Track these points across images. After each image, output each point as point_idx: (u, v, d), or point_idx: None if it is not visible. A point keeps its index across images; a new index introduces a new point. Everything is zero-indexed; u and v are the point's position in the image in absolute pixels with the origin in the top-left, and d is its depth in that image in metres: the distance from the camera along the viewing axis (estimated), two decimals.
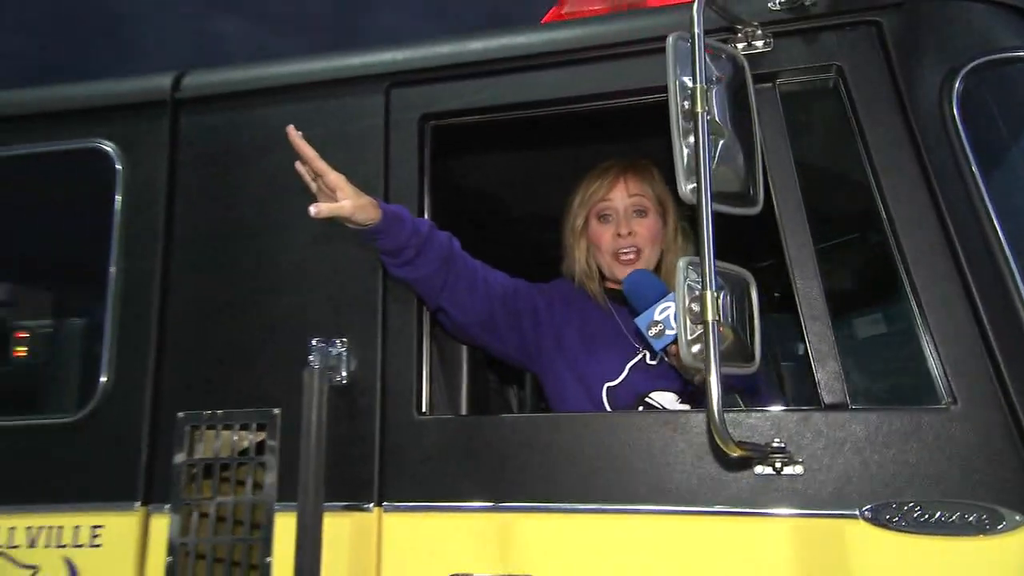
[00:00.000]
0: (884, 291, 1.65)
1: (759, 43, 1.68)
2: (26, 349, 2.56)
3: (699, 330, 1.26)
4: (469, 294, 1.79)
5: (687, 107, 1.38)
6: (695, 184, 1.33)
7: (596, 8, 2.10)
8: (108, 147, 2.11)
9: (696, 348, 1.25)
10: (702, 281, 1.26)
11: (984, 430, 1.41)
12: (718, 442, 1.29)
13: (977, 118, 1.62)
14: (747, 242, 1.96)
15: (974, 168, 1.53)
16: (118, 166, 2.11)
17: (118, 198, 2.09)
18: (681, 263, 1.34)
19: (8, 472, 2.02)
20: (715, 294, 1.25)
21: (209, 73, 2.18)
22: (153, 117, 2.12)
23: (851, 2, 1.68)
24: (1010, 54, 1.67)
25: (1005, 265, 1.45)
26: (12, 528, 1.84)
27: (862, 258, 1.69)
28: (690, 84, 1.40)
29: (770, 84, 1.75)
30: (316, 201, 1.58)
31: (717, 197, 1.35)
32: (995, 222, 1.50)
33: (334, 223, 1.59)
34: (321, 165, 1.52)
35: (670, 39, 1.42)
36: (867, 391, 1.59)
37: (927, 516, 1.38)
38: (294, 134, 1.52)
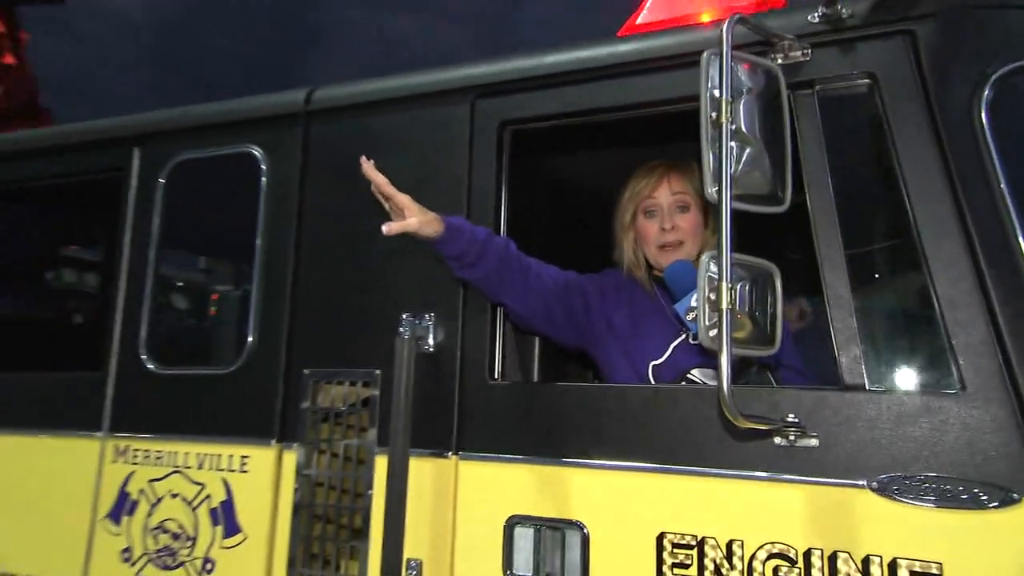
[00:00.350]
0: (908, 288, 1.72)
1: (797, 53, 1.76)
2: (207, 311, 3.09)
3: (716, 317, 1.44)
4: (525, 291, 1.99)
5: (715, 117, 1.49)
6: (718, 187, 1.50)
7: (664, 19, 2.25)
8: (256, 152, 2.47)
9: (713, 332, 1.41)
10: (719, 273, 1.40)
11: (990, 416, 1.48)
12: (727, 415, 1.44)
13: (1009, 124, 1.66)
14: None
15: (1000, 173, 1.60)
16: (263, 167, 2.46)
17: (262, 193, 2.42)
18: (704, 257, 1.47)
19: (185, 409, 2.45)
20: (731, 285, 1.39)
21: (333, 88, 2.49)
22: (290, 126, 2.44)
23: (885, 13, 1.72)
24: None
25: (1021, 267, 1.54)
26: (187, 453, 2.30)
27: (889, 255, 1.76)
28: (718, 96, 1.51)
29: (809, 91, 1.83)
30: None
31: (743, 198, 1.50)
32: (1016, 226, 1.57)
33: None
34: (389, 190, 1.75)
35: (704, 55, 1.53)
36: (885, 376, 1.68)
37: (931, 490, 1.49)
38: (366, 165, 1.77)
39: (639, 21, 2.33)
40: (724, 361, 1.40)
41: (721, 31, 1.54)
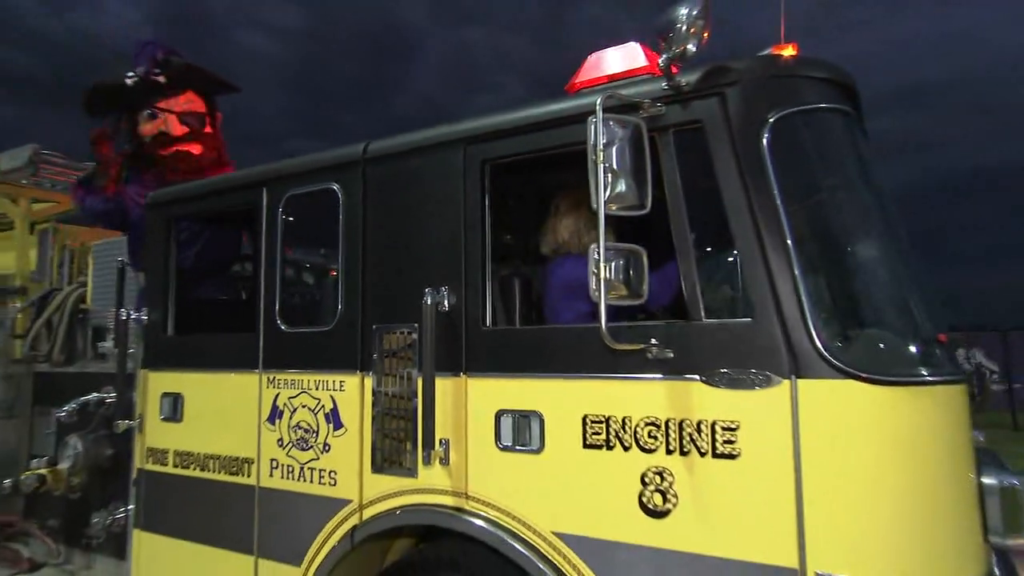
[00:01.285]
0: (726, 261, 2.03)
1: (654, 110, 2.00)
2: (314, 292, 3.42)
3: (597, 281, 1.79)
4: None
5: (595, 159, 1.81)
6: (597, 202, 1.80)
7: (591, 80, 2.44)
8: (336, 187, 2.75)
9: (594, 291, 1.79)
10: (599, 255, 1.77)
11: (766, 333, 1.81)
12: (606, 342, 1.84)
13: (781, 148, 1.93)
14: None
15: (774, 182, 1.88)
16: (340, 198, 2.74)
17: (341, 215, 2.73)
18: (592, 247, 1.81)
19: (306, 353, 2.79)
20: (605, 263, 1.77)
21: (380, 142, 2.71)
22: (354, 169, 2.71)
23: (708, 82, 1.98)
24: (798, 108, 1.98)
25: (788, 252, 1.83)
26: (309, 380, 2.71)
27: (716, 239, 2.03)
28: (595, 145, 1.81)
29: (666, 134, 2.06)
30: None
31: (617, 207, 1.82)
32: (784, 218, 1.86)
33: None
34: None
35: (588, 119, 1.83)
36: (712, 313, 1.98)
37: (734, 379, 1.83)
38: None
39: (577, 81, 2.49)
40: (602, 308, 1.79)
41: (596, 104, 1.82)
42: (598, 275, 1.79)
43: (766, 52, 2.07)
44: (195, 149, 3.80)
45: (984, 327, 15.70)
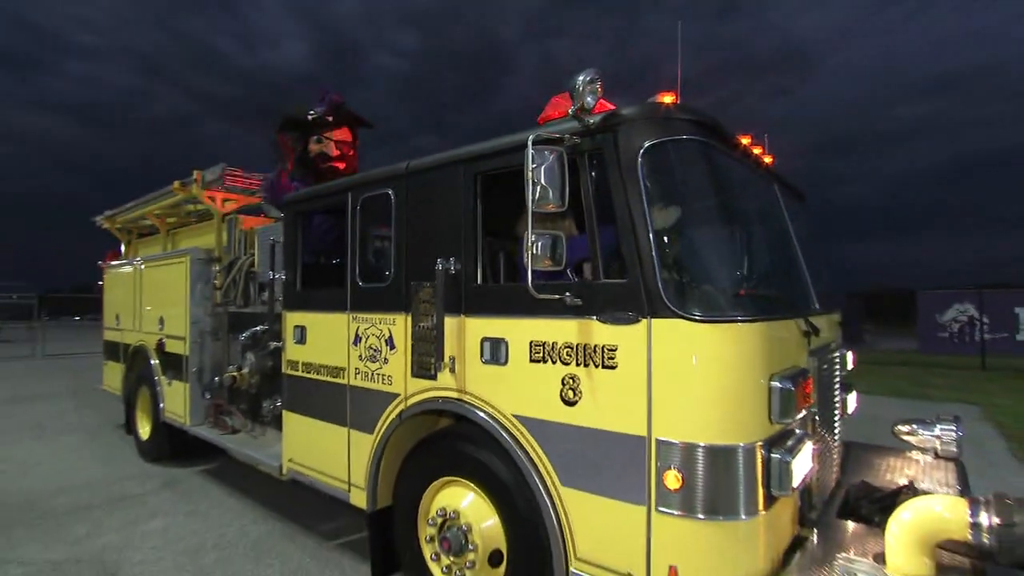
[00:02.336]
0: (620, 244, 2.17)
1: (572, 140, 2.26)
2: (379, 261, 3.84)
3: (526, 256, 2.13)
4: None
5: (528, 176, 2.12)
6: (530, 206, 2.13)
7: (553, 115, 2.73)
8: (390, 192, 3.10)
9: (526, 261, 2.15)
10: (528, 237, 2.12)
11: (632, 286, 2.08)
12: (531, 293, 2.18)
13: (652, 171, 2.16)
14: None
15: (644, 196, 2.12)
16: (392, 200, 3.08)
17: (393, 213, 3.07)
18: (524, 236, 2.16)
19: (372, 300, 3.12)
20: (534, 243, 2.10)
21: (416, 160, 3.01)
22: (400, 180, 3.06)
23: (606, 123, 2.21)
24: (664, 139, 2.19)
25: (648, 237, 2.09)
26: (374, 318, 3.12)
27: (612, 231, 2.22)
28: (529, 166, 2.12)
29: (583, 158, 2.29)
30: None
31: (542, 207, 2.12)
32: (647, 219, 2.11)
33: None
34: None
35: (527, 148, 2.12)
36: (608, 276, 2.22)
37: (615, 317, 2.14)
38: None
39: (542, 116, 2.81)
40: (529, 273, 2.13)
41: (527, 139, 2.14)
42: (529, 251, 2.15)
43: (651, 99, 2.25)
44: (341, 166, 4.36)
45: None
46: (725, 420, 2.00)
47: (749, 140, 2.89)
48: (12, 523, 4.27)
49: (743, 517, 2.00)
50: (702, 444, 1.98)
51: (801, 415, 2.27)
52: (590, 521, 2.25)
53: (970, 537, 1.93)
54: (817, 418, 2.59)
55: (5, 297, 24.77)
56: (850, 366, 3.54)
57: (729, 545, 2.00)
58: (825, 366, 2.79)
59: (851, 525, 2.47)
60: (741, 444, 1.97)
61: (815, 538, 2.36)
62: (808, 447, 2.29)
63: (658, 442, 2.06)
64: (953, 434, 3.37)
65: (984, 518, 1.91)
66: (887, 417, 7.35)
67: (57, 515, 4.44)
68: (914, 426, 3.55)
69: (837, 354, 3.09)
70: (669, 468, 2.02)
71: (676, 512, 2.02)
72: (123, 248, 7.12)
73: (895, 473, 3.19)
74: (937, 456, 3.43)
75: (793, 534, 2.37)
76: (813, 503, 2.55)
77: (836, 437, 3.06)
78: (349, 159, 4.42)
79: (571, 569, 2.30)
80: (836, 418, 3.05)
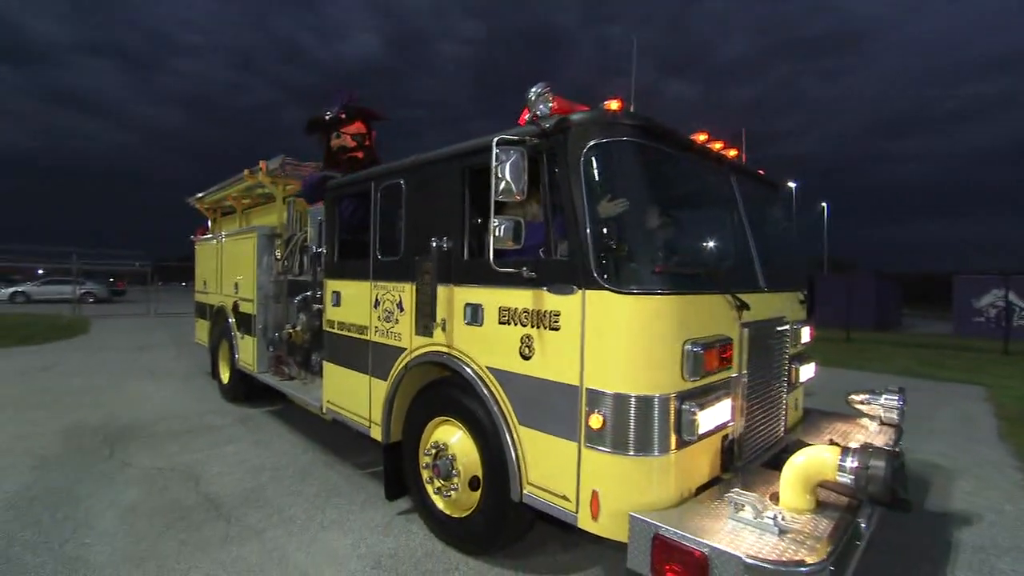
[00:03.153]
0: (561, 230, 2.38)
1: (531, 142, 2.49)
2: (394, 239, 4.32)
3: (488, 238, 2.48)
4: None
5: (493, 170, 2.40)
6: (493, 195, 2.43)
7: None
8: (402, 182, 3.43)
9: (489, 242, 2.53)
10: (491, 222, 2.45)
11: (569, 264, 2.37)
12: (493, 267, 2.49)
13: (594, 168, 2.38)
14: None
15: (584, 190, 2.36)
16: (403, 189, 3.41)
17: (403, 199, 3.41)
18: (491, 218, 2.50)
19: (389, 270, 3.44)
20: (496, 227, 2.39)
21: (419, 155, 3.30)
22: (406, 172, 3.39)
23: (558, 126, 2.44)
24: (605, 140, 2.40)
25: (586, 223, 2.35)
26: (389, 285, 3.48)
27: (561, 218, 2.42)
28: (492, 163, 2.40)
29: (540, 156, 2.52)
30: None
31: (505, 197, 2.41)
32: (586, 211, 2.34)
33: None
34: None
35: (492, 148, 2.40)
36: (555, 255, 2.47)
37: (560, 288, 2.42)
38: None
39: (520, 119, 3.09)
40: (490, 251, 2.44)
41: (492, 142, 2.43)
42: (491, 233, 2.45)
43: (600, 106, 2.46)
44: (359, 155, 4.77)
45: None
46: (640, 375, 2.28)
47: (706, 137, 3.06)
48: (129, 439, 5.19)
49: (655, 455, 2.29)
50: (621, 393, 2.29)
51: (718, 376, 2.49)
52: (538, 454, 2.61)
53: (838, 477, 2.15)
54: (748, 380, 2.78)
55: (128, 264, 27.59)
56: (805, 340, 3.66)
57: (640, 476, 2.31)
58: (766, 338, 2.95)
59: (768, 472, 2.69)
60: (652, 395, 2.26)
61: (732, 480, 2.60)
62: (725, 404, 2.53)
63: (587, 391, 2.37)
64: (895, 404, 3.46)
65: (848, 462, 2.13)
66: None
67: (159, 436, 5.30)
68: (866, 396, 3.66)
69: (786, 328, 3.23)
70: (594, 412, 2.33)
71: (598, 448, 2.34)
72: (210, 224, 7.94)
73: (839, 435, 3.34)
74: (882, 423, 3.54)
75: (713, 475, 2.62)
76: (740, 452, 2.77)
77: (782, 399, 3.23)
78: (366, 149, 4.83)
79: (524, 492, 2.68)
80: (782, 383, 3.21)
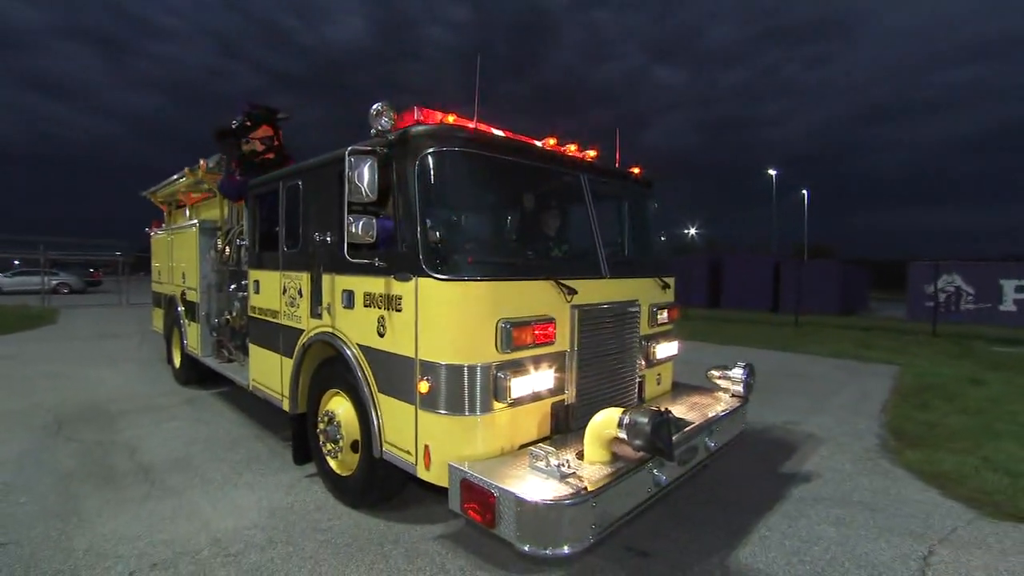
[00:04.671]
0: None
1: (382, 150, 2.84)
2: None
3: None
4: None
5: (345, 174, 2.78)
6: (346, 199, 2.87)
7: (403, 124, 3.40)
8: (300, 183, 3.87)
9: (344, 237, 3.00)
10: (345, 220, 2.97)
11: (411, 258, 2.79)
12: (347, 258, 3.02)
13: (430, 173, 2.75)
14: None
15: (418, 194, 2.74)
16: (301, 190, 3.95)
17: (300, 202, 3.95)
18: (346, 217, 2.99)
19: (291, 261, 3.93)
20: (350, 227, 2.94)
21: (313, 159, 3.68)
22: (303, 175, 3.80)
23: (401, 137, 2.81)
24: (435, 150, 2.76)
25: (418, 221, 2.81)
26: (290, 275, 4.01)
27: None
28: (345, 167, 2.75)
29: (389, 161, 2.85)
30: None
31: (356, 199, 2.82)
32: (418, 208, 2.79)
33: None
34: None
35: (346, 157, 2.77)
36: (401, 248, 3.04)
37: (401, 276, 2.79)
38: None
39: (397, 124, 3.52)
40: (345, 245, 2.93)
41: (346, 150, 2.81)
42: (346, 229, 2.82)
43: (440, 121, 2.87)
44: (270, 156, 5.14)
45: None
46: (457, 348, 2.71)
47: (555, 142, 3.49)
48: (78, 418, 5.62)
49: (471, 414, 2.73)
50: (440, 363, 2.73)
51: (536, 350, 2.92)
52: (391, 416, 3.06)
53: (617, 433, 2.61)
54: (579, 355, 3.21)
55: (108, 254, 27.76)
56: (662, 322, 4.09)
57: (459, 432, 2.75)
58: (604, 318, 3.36)
59: None
60: (463, 364, 2.69)
61: (556, 440, 3.05)
62: (546, 374, 2.96)
63: (420, 361, 2.81)
64: (742, 377, 3.94)
65: (624, 419, 2.58)
66: (801, 371, 7.81)
67: (108, 414, 5.77)
68: (723, 371, 4.13)
69: (636, 310, 3.67)
70: (423, 379, 2.78)
71: (427, 409, 2.79)
72: (165, 217, 8.30)
73: (688, 405, 3.81)
74: (732, 395, 4.02)
75: (543, 435, 3.06)
76: (574, 417, 3.20)
77: (632, 373, 3.66)
78: (276, 148, 5.19)
79: (383, 450, 3.14)
80: (631, 359, 3.63)
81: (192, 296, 6.20)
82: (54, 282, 24.14)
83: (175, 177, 6.68)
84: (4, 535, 3.14)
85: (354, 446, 3.49)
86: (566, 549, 2.28)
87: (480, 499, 2.45)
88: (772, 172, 39.37)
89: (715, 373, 4.13)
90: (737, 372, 3.93)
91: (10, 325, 12.92)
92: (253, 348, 4.74)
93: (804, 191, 41.89)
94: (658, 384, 4.11)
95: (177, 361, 7.02)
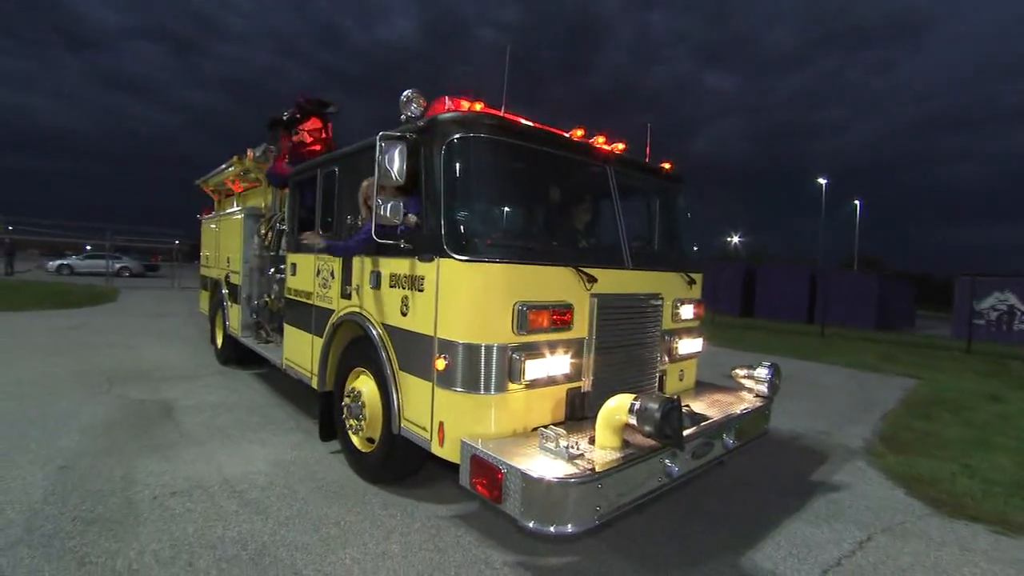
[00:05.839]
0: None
1: (411, 136, 2.91)
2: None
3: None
4: None
5: (377, 158, 2.88)
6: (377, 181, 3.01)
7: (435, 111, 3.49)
8: (336, 170, 4.16)
9: (374, 219, 3.12)
10: (376, 203, 3.07)
11: (434, 240, 2.88)
12: (375, 239, 3.13)
13: (453, 160, 2.83)
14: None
15: (442, 173, 2.81)
16: (336, 177, 4.17)
17: (336, 189, 4.23)
18: (377, 199, 3.11)
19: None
20: (379, 209, 3.04)
21: (347, 147, 3.86)
22: (339, 162, 4.03)
23: (429, 124, 2.88)
24: (464, 135, 2.84)
25: (442, 204, 2.87)
26: (323, 258, 4.10)
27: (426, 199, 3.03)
28: (376, 152, 2.85)
29: (419, 146, 2.92)
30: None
31: (386, 183, 2.91)
32: (442, 192, 2.88)
33: None
34: None
35: (377, 142, 2.85)
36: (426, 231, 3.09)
37: (425, 257, 2.86)
38: None
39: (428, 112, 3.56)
40: (373, 228, 3.06)
41: (376, 139, 2.87)
42: (375, 212, 2.91)
43: (467, 108, 2.91)
44: (318, 148, 5.29)
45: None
46: (473, 327, 2.77)
47: (583, 133, 3.52)
48: (126, 380, 6.20)
49: (484, 393, 2.77)
50: (457, 341, 2.80)
51: (552, 335, 2.95)
52: (410, 393, 3.15)
53: (628, 419, 2.61)
54: (598, 343, 3.21)
55: (168, 242, 29.48)
56: (687, 317, 4.04)
57: (473, 410, 2.80)
58: (624, 309, 3.35)
59: None
60: (479, 343, 2.75)
61: (569, 425, 3.06)
62: (562, 359, 2.99)
63: (439, 340, 2.89)
64: (766, 377, 3.86)
65: (635, 406, 2.59)
66: (813, 379, 7.63)
67: (152, 379, 6.31)
68: (748, 370, 4.06)
69: (658, 303, 3.65)
70: (440, 356, 2.86)
71: (443, 386, 2.87)
72: (215, 205, 8.76)
73: (709, 402, 3.76)
74: (756, 395, 3.94)
75: (556, 420, 3.08)
76: (589, 405, 3.20)
77: (651, 365, 3.63)
78: (323, 141, 5.33)
79: (402, 426, 3.24)
80: (651, 351, 3.60)
81: (235, 279, 6.50)
82: (117, 265, 25.97)
83: (224, 166, 7.03)
84: (64, 461, 3.73)
85: (375, 423, 3.59)
86: (569, 528, 2.30)
87: (489, 475, 2.50)
88: (822, 181, 37.95)
89: (740, 372, 4.05)
90: (762, 372, 3.84)
91: (80, 301, 14.32)
92: (288, 328, 4.94)
93: (856, 201, 40.20)
94: (680, 380, 4.07)
95: (220, 341, 7.38)
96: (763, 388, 3.84)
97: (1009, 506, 3.65)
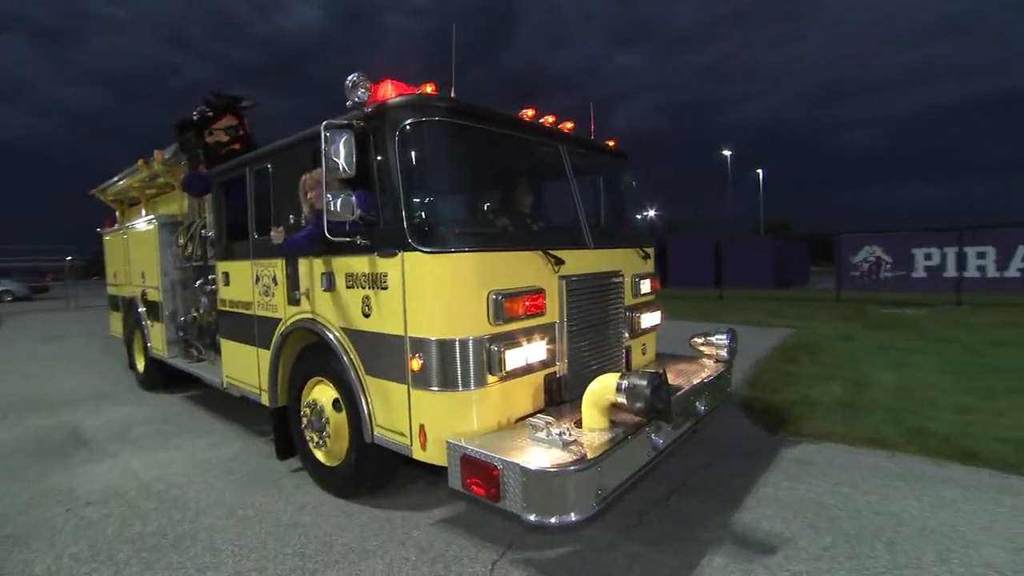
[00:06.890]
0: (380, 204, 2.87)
1: (359, 124, 2.69)
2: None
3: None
4: None
5: (321, 147, 2.58)
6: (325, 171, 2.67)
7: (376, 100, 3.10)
8: (269, 166, 3.77)
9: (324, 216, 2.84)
10: (326, 197, 2.79)
11: (395, 233, 2.67)
12: (328, 237, 2.88)
13: (406, 144, 2.63)
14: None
15: (397, 160, 2.60)
16: (271, 173, 3.83)
17: (271, 186, 3.95)
18: (327, 194, 2.84)
19: (263, 248, 3.68)
20: (331, 205, 2.72)
21: (281, 140, 3.50)
22: (272, 157, 3.60)
23: (378, 109, 2.67)
24: (415, 120, 2.65)
25: (400, 194, 2.68)
26: (262, 263, 3.72)
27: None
28: (322, 139, 2.54)
29: (365, 134, 2.72)
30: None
31: (334, 176, 2.62)
32: (400, 181, 2.67)
33: None
34: None
35: (321, 132, 2.55)
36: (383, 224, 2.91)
37: (386, 253, 2.65)
38: None
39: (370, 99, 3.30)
40: (325, 224, 2.71)
41: (320, 128, 2.58)
42: (325, 208, 2.64)
43: (418, 91, 2.72)
44: (237, 146, 4.83)
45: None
46: (447, 322, 2.60)
47: (533, 113, 3.40)
48: (25, 408, 5.76)
49: (465, 389, 2.62)
50: (431, 339, 2.62)
51: (528, 321, 2.85)
52: (382, 398, 2.93)
53: (616, 397, 2.57)
54: (569, 326, 3.15)
55: (58, 259, 26.24)
56: (646, 291, 4.08)
57: (455, 408, 2.64)
58: (590, 288, 3.29)
59: None
60: (455, 338, 2.59)
61: (551, 411, 2.99)
62: (539, 345, 2.89)
63: (410, 339, 2.69)
64: (725, 342, 3.98)
65: (622, 383, 2.54)
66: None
67: (52, 404, 5.90)
68: (704, 338, 4.16)
69: (620, 280, 3.64)
70: (415, 356, 2.67)
71: (420, 387, 2.68)
72: (117, 215, 7.81)
73: (675, 372, 3.82)
74: (716, 360, 4.05)
75: (537, 408, 2.99)
76: (567, 388, 3.15)
77: (618, 343, 3.63)
78: (242, 138, 4.90)
79: (375, 434, 3.01)
80: (617, 328, 3.59)
81: (154, 295, 5.84)
82: None
83: (128, 171, 6.25)
84: None
85: (340, 434, 3.35)
86: (573, 516, 2.23)
87: (483, 473, 2.38)
88: (727, 152, 40.50)
89: (698, 340, 4.17)
90: (720, 338, 3.97)
91: None
92: (226, 343, 4.50)
93: (759, 170, 43.29)
94: (643, 354, 4.12)
95: (141, 365, 6.63)
96: (723, 353, 3.96)
97: (826, 422, 4.48)
